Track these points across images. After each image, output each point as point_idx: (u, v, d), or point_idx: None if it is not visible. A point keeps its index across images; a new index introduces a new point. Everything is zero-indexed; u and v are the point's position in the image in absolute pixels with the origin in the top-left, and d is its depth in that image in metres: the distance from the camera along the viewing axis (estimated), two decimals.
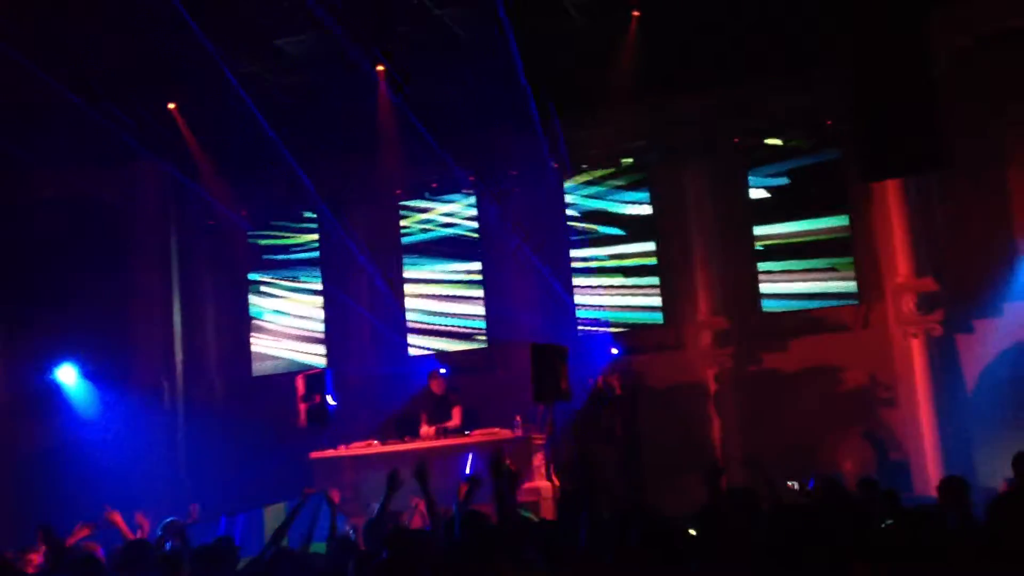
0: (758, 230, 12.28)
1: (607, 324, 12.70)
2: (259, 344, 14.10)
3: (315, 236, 14.00)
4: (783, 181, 12.29)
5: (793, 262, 12.16)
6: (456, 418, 10.97)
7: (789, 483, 6.93)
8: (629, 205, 12.93)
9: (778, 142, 12.29)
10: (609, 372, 11.78)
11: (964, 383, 10.96)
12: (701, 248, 12.28)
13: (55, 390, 13.22)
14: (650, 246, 12.74)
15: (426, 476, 5.57)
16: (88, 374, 13.23)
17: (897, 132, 9.99)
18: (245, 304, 14.20)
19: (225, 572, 5.04)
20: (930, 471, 10.39)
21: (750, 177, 12.38)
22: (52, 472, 12.55)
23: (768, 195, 12.35)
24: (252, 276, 14.24)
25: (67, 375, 13.19)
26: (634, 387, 11.83)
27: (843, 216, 11.98)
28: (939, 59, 10.48)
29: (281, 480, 10.91)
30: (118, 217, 13.65)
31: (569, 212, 13.09)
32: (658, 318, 12.63)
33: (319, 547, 6.01)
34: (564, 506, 7.72)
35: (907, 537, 3.71)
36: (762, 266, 12.23)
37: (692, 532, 4.33)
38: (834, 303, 11.88)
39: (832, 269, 12.01)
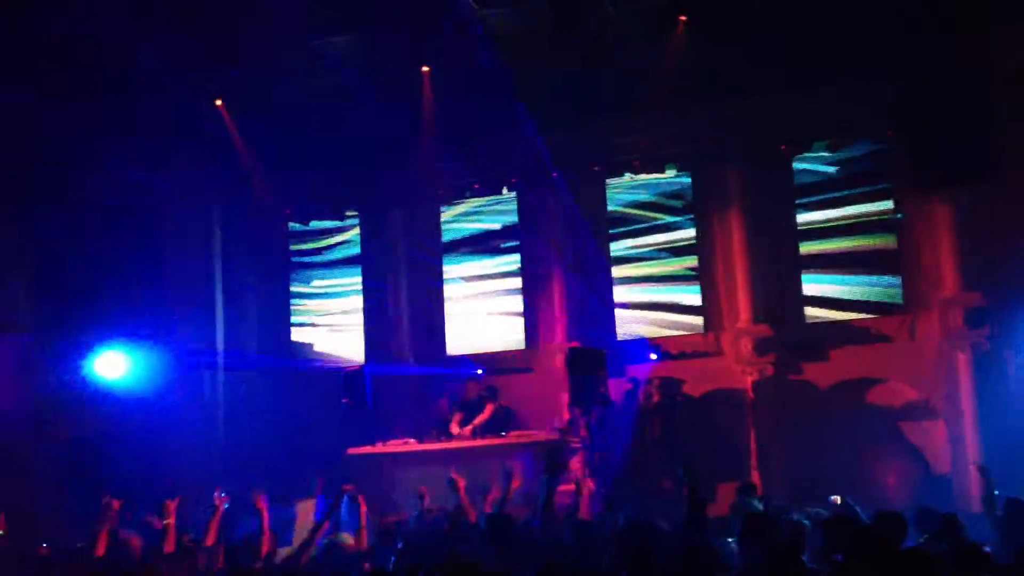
0: (802, 238, 12.17)
1: (647, 329, 12.65)
2: (299, 337, 14.24)
3: (356, 231, 14.08)
4: (831, 193, 12.15)
5: (837, 276, 12.03)
6: (486, 413, 10.98)
7: (833, 497, 6.83)
8: (671, 210, 12.87)
9: (825, 151, 12.15)
10: (648, 379, 11.74)
11: (1011, 399, 10.77)
12: (743, 255, 12.17)
13: (99, 379, 13.40)
14: (691, 252, 12.67)
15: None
16: (130, 364, 13.39)
17: (950, 144, 9.88)
18: (287, 299, 14.32)
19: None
20: (972, 488, 10.21)
21: (796, 183, 12.27)
22: (97, 459, 12.71)
23: (814, 203, 12.23)
24: (294, 270, 14.36)
25: (110, 364, 13.35)
26: (673, 394, 11.76)
27: (890, 229, 11.82)
28: (996, 74, 10.34)
29: (317, 474, 11.01)
30: (162, 214, 13.81)
31: (610, 215, 13.05)
32: (698, 324, 12.54)
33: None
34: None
35: None
36: (806, 276, 12.11)
37: None
38: (878, 314, 11.73)
39: (877, 280, 11.86)
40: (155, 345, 13.01)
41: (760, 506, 7.00)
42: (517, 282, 13.35)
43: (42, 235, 13.21)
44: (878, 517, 5.36)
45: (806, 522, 5.79)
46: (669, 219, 12.86)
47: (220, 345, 13.75)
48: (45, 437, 12.62)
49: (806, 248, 12.15)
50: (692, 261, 12.65)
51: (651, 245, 12.87)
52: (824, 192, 12.18)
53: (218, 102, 12.37)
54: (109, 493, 6.50)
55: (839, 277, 12.01)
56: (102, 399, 13.14)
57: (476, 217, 13.75)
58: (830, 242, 12.08)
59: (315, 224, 14.27)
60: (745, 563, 4.56)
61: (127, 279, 12.77)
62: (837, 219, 12.07)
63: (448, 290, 13.67)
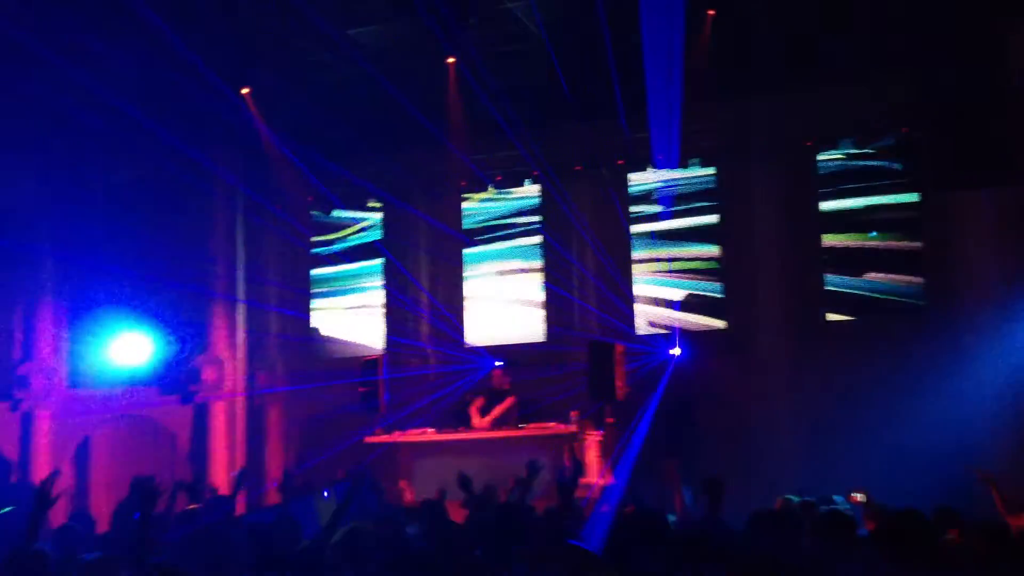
0: (826, 233, 12.15)
1: (668, 324, 12.64)
2: (320, 326, 14.31)
3: (379, 217, 14.13)
4: (854, 184, 12.11)
5: (859, 272, 12.00)
6: (506, 403, 10.96)
7: (855, 495, 6.80)
8: (695, 205, 12.85)
9: (851, 147, 12.11)
10: (669, 372, 11.73)
11: None
12: (766, 249, 12.15)
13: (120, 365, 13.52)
14: (714, 246, 12.66)
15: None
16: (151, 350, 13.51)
17: (972, 145, 9.83)
18: (307, 287, 14.40)
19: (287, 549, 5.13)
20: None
21: (821, 178, 12.24)
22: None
23: (838, 199, 12.20)
24: (315, 259, 14.43)
25: (133, 348, 13.47)
26: (692, 388, 11.71)
27: (915, 227, 11.79)
28: (1018, 76, 10.27)
29: (338, 463, 11.10)
30: (188, 201, 13.90)
31: (633, 209, 13.05)
32: (720, 320, 12.53)
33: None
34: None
35: None
36: (829, 274, 12.09)
37: None
38: (900, 311, 11.68)
39: (901, 276, 11.82)
40: (176, 330, 13.13)
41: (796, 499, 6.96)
42: (538, 275, 13.36)
43: (66, 215, 13.37)
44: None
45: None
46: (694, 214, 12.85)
47: (241, 332, 13.85)
48: None
49: (829, 240, 12.09)
50: (714, 250, 12.64)
51: (673, 239, 12.88)
52: (848, 191, 12.13)
53: (244, 90, 12.44)
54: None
55: (861, 273, 11.97)
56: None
57: (498, 208, 13.77)
58: (853, 237, 12.04)
59: (337, 214, 14.33)
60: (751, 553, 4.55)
61: (150, 262, 12.87)
62: (861, 216, 12.03)
63: (468, 281, 13.70)
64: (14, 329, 13.48)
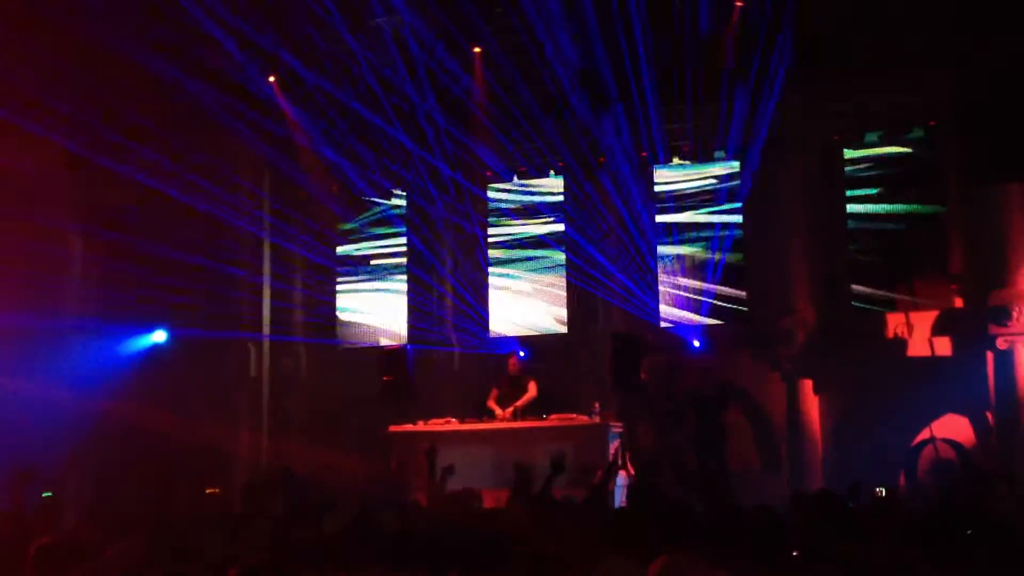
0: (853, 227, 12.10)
1: (691, 317, 12.62)
2: (345, 314, 14.39)
3: (402, 202, 14.18)
4: (881, 173, 12.04)
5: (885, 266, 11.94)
6: (532, 391, 10.92)
7: (877, 490, 6.80)
8: (719, 197, 12.82)
9: (877, 141, 12.03)
10: (697, 373, 11.70)
11: None
12: (793, 244, 12.10)
13: (148, 352, 13.66)
14: (738, 240, 12.63)
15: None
16: (179, 339, 13.63)
17: (1002, 138, 9.73)
18: (333, 276, 14.47)
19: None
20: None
21: (847, 170, 12.17)
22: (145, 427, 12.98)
23: (865, 192, 12.14)
24: (340, 247, 14.50)
25: (160, 338, 13.63)
26: (714, 383, 11.67)
27: (940, 223, 11.72)
28: None
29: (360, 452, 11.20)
30: (214, 188, 13.98)
31: (656, 202, 13.02)
32: (743, 313, 12.50)
33: None
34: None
35: None
36: (855, 266, 12.03)
37: None
38: (926, 308, 11.62)
39: (928, 270, 11.74)
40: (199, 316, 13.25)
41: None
42: (561, 267, 13.36)
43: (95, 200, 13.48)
44: None
45: None
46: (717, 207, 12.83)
47: (267, 319, 13.95)
48: None
49: (855, 224, 12.05)
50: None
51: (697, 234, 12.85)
52: (879, 193, 12.07)
53: (271, 78, 12.50)
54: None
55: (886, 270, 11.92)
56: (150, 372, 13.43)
57: (521, 200, 13.78)
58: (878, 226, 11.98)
59: (363, 201, 14.38)
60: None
61: (180, 250, 12.96)
62: (887, 211, 11.97)
63: (492, 271, 13.72)
64: None
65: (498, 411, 10.90)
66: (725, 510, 5.33)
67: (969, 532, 3.89)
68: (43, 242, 12.82)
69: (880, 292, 11.87)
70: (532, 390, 10.90)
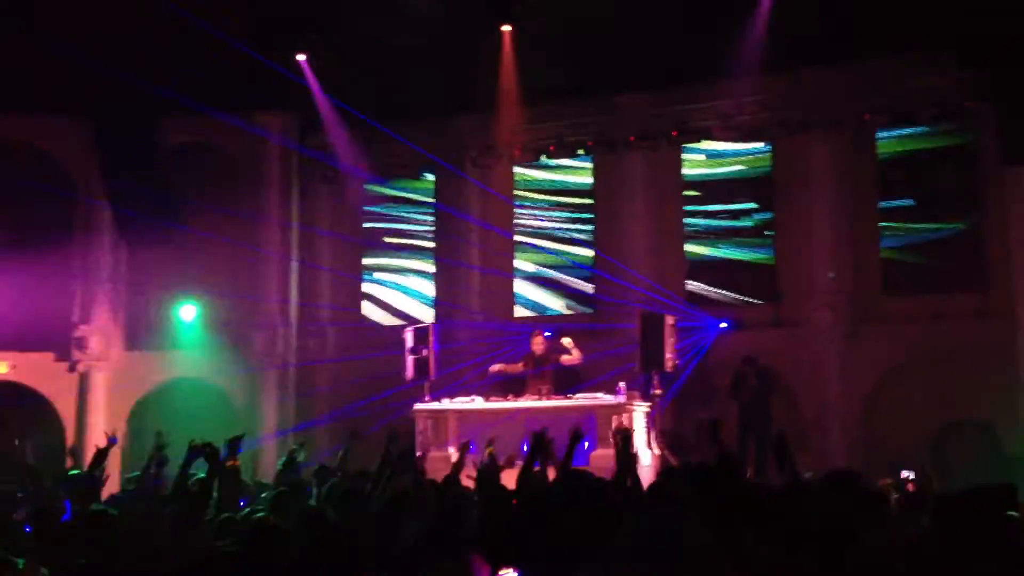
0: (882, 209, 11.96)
1: (717, 297, 12.56)
2: (371, 293, 14.43)
3: (431, 185, 14.16)
4: (913, 152, 11.88)
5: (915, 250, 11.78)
6: (575, 354, 10.70)
7: (904, 473, 6.72)
8: (749, 176, 12.71)
9: (910, 122, 11.86)
10: (718, 346, 11.63)
11: None
12: (823, 225, 11.97)
13: (175, 327, 13.75)
14: (768, 219, 12.52)
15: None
16: (206, 315, 13.71)
17: None
18: (359, 255, 14.50)
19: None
20: None
21: (879, 151, 12.01)
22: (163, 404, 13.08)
23: (895, 170, 11.99)
24: (368, 228, 14.52)
25: (187, 313, 13.69)
26: (743, 362, 11.54)
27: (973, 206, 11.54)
28: None
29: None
30: (242, 165, 14.04)
31: (685, 181, 12.94)
32: (773, 293, 12.40)
33: None
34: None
35: None
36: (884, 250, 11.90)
37: None
38: (957, 290, 11.45)
39: (957, 252, 11.58)
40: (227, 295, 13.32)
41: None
42: (588, 250, 13.33)
43: (121, 182, 13.55)
44: None
45: None
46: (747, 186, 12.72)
47: (294, 297, 14.00)
48: None
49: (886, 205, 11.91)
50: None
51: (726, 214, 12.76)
52: (909, 171, 11.90)
53: (301, 57, 12.51)
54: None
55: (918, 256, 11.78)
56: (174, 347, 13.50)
57: (550, 181, 13.74)
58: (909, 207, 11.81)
59: (391, 182, 14.39)
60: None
61: (204, 226, 13.01)
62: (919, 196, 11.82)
63: (519, 253, 13.69)
64: (74, 290, 13.73)
65: (499, 367, 10.82)
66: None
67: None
68: None
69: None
70: (575, 354, 10.63)
